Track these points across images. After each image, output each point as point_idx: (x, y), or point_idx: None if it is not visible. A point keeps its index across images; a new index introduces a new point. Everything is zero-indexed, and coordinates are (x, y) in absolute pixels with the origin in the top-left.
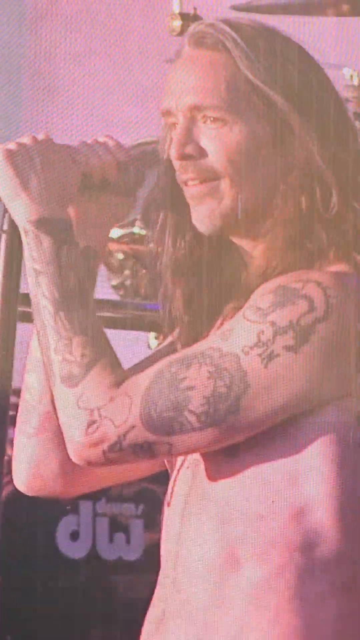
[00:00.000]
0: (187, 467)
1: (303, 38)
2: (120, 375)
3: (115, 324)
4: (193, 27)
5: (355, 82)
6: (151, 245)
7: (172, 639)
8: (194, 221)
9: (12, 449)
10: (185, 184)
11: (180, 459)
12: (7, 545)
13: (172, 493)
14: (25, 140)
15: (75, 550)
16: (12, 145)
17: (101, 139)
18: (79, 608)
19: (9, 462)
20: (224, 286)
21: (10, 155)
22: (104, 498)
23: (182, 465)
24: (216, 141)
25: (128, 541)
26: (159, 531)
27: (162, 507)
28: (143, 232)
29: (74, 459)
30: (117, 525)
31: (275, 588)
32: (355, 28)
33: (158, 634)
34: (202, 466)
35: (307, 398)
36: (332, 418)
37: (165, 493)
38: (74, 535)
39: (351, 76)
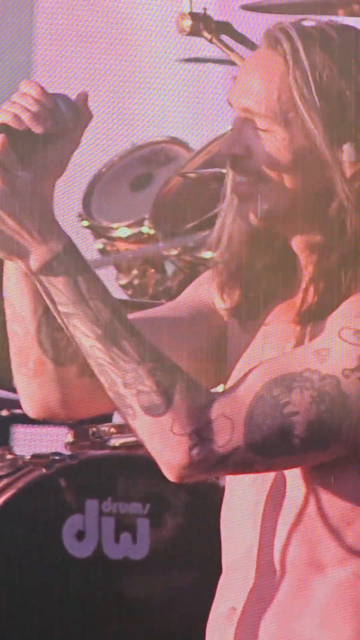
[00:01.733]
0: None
1: None
2: (206, 394)
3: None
4: (271, 27)
5: None
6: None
7: (248, 630)
8: (238, 217)
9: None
10: (233, 181)
11: None
12: (13, 545)
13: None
14: None
15: (81, 550)
16: None
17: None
18: (84, 608)
19: (12, 462)
20: (277, 270)
21: None
22: (110, 497)
23: None
24: (261, 145)
25: (134, 541)
26: (166, 530)
27: (169, 506)
28: (152, 231)
29: (171, 478)
30: (123, 525)
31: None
32: None
33: (230, 627)
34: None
35: None
36: None
37: (171, 493)
38: (80, 535)
39: None
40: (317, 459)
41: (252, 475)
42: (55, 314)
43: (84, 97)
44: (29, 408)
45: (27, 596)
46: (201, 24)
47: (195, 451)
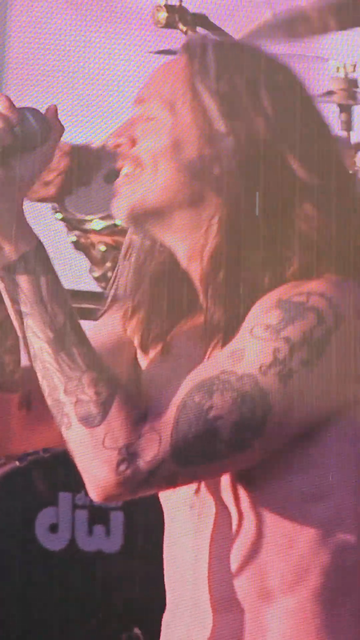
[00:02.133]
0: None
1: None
2: (141, 408)
3: (97, 315)
4: (188, 34)
5: (342, 75)
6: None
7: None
8: (112, 209)
9: None
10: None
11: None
12: None
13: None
14: None
15: (54, 543)
16: None
17: None
18: (58, 600)
19: None
20: (180, 299)
21: None
22: (83, 490)
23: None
24: (147, 134)
25: (108, 533)
26: (139, 523)
27: (142, 499)
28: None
29: (96, 497)
30: (96, 518)
31: (313, 611)
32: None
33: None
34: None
35: (327, 410)
36: (347, 428)
37: None
38: (53, 528)
39: (337, 68)
40: (242, 462)
41: (192, 510)
42: (11, 313)
43: (54, 110)
44: None
45: (0, 589)
46: (177, 16)
47: (122, 467)
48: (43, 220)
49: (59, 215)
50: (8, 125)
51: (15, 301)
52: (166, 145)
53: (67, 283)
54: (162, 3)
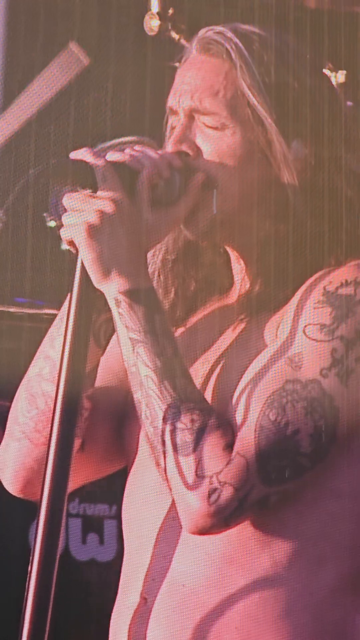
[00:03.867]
0: None
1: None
2: (230, 434)
3: None
4: (202, 33)
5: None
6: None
7: (162, 626)
8: (184, 226)
9: None
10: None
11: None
12: None
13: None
14: (105, 206)
15: None
16: (94, 219)
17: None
18: (52, 609)
19: None
20: (208, 279)
21: (95, 232)
22: (77, 498)
23: None
24: (211, 144)
25: (101, 542)
26: None
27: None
28: None
29: (189, 529)
30: (90, 526)
31: (287, 580)
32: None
33: (141, 622)
34: None
35: None
36: None
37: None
38: None
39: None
40: (322, 470)
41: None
42: (121, 341)
43: (198, 182)
44: (15, 476)
45: None
46: (169, 24)
47: (214, 497)
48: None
49: (53, 224)
50: (158, 174)
51: (130, 328)
52: (240, 157)
53: (61, 292)
54: (155, 11)
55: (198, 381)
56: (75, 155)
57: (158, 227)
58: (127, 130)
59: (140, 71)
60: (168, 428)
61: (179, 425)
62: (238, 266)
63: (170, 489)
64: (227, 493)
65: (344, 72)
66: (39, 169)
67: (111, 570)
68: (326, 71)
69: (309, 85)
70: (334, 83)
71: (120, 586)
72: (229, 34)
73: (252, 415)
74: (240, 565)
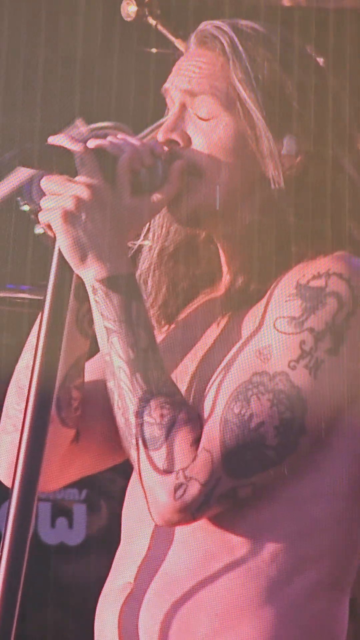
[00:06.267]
0: None
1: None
2: (198, 429)
3: None
4: (201, 26)
5: None
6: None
7: (145, 609)
8: (173, 214)
9: None
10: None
11: None
12: None
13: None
14: (81, 192)
15: None
16: (69, 205)
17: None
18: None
19: None
20: (200, 275)
21: (71, 218)
22: None
23: None
24: (201, 134)
25: (70, 526)
26: (102, 516)
27: (106, 492)
28: None
29: (158, 521)
30: (59, 510)
31: (267, 574)
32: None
33: (125, 603)
34: None
35: (356, 394)
36: (357, 412)
37: (108, 479)
38: None
39: None
40: (294, 461)
41: None
42: (97, 329)
43: (177, 169)
44: (9, 468)
45: None
46: (146, 9)
47: (180, 492)
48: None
49: (26, 207)
50: (140, 161)
51: (105, 317)
52: (229, 149)
53: (34, 277)
54: None
55: (186, 378)
56: (53, 140)
57: (140, 213)
58: (109, 115)
59: (119, 56)
60: (138, 422)
61: (149, 419)
62: (223, 259)
63: (141, 481)
64: (193, 488)
65: (321, 59)
66: (14, 152)
67: (80, 554)
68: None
69: (303, 83)
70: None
71: (112, 569)
72: (226, 28)
73: (217, 408)
74: (222, 560)
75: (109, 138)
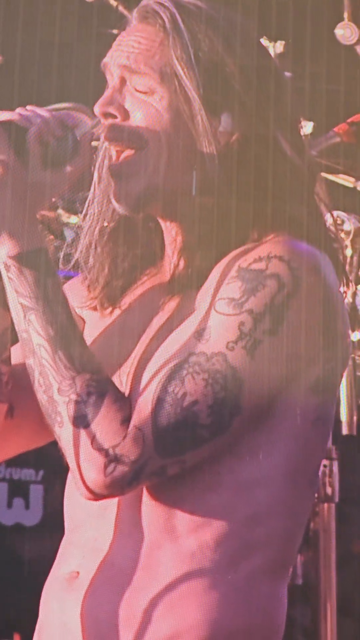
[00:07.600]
0: None
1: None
2: (127, 407)
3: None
4: (144, 1)
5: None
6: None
7: (91, 598)
8: (114, 198)
9: None
10: (109, 153)
11: None
12: None
13: None
14: None
15: None
16: None
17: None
18: None
19: None
20: (142, 255)
21: None
22: (4, 463)
23: None
24: (140, 107)
25: (27, 507)
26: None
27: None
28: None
29: (85, 497)
30: (16, 491)
31: (213, 559)
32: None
33: (71, 592)
34: None
35: (295, 375)
36: (296, 393)
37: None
38: None
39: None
40: (226, 441)
41: None
42: (11, 305)
43: (89, 139)
44: None
45: None
46: None
47: (110, 468)
48: None
49: None
50: (49, 133)
51: (20, 294)
52: (167, 123)
53: None
54: None
55: (133, 362)
56: None
57: (51, 187)
58: (70, 95)
59: (81, 37)
60: (64, 400)
61: (75, 397)
62: (166, 239)
63: (65, 457)
64: (122, 466)
65: (283, 42)
66: None
67: (36, 535)
68: (264, 42)
69: (243, 61)
70: (272, 54)
71: (57, 557)
72: (168, 4)
73: (151, 387)
74: (167, 549)
75: (18, 110)
